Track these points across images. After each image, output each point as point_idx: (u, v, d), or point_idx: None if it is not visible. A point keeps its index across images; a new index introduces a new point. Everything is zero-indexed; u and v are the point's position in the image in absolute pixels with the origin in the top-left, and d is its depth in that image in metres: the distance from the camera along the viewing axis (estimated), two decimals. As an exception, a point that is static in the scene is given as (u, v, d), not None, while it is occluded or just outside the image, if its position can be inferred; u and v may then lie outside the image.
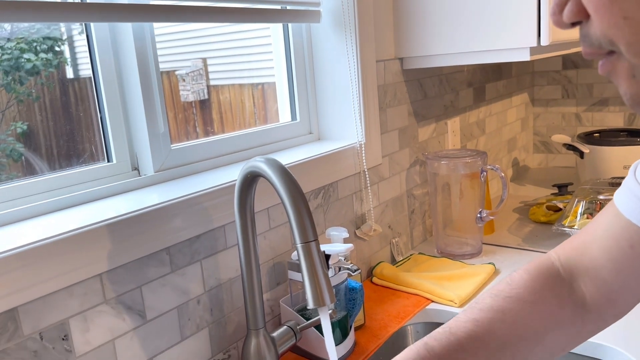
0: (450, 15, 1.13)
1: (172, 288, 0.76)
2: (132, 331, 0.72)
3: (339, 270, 0.84)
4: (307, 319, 0.86)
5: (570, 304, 0.58)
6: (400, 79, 1.24)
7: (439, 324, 0.65)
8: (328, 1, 1.10)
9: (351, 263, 0.92)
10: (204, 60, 1.34)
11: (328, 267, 0.61)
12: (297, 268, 0.87)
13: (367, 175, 1.13)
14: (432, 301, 1.05)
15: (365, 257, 1.17)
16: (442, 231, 1.32)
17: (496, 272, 1.15)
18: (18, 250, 0.58)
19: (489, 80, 1.69)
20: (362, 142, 1.12)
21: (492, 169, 1.25)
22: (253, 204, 0.75)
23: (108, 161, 0.84)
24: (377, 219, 1.19)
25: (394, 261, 1.25)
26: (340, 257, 0.87)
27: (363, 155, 1.11)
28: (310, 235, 0.61)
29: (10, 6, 0.64)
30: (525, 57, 1.06)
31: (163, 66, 0.90)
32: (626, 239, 0.55)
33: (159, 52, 0.86)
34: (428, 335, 0.56)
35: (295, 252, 0.89)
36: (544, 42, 1.03)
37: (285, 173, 0.64)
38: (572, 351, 0.89)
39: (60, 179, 0.76)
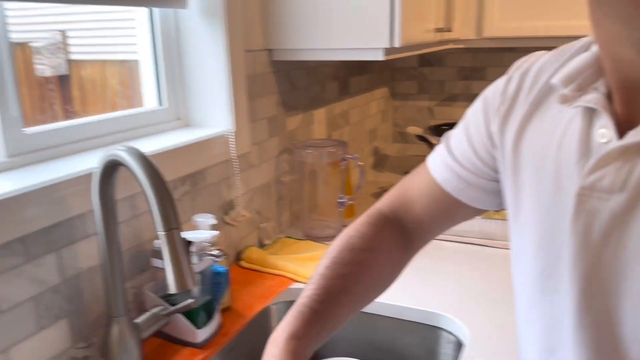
0: (314, 12, 1.20)
1: (26, 278, 0.74)
2: (-19, 325, 0.68)
3: (204, 256, 0.87)
4: (173, 305, 0.87)
5: (403, 243, 0.71)
6: (269, 70, 1.28)
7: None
8: (196, -12, 1.11)
9: (218, 249, 0.96)
10: (63, 32, 1.27)
11: (190, 253, 0.63)
12: (160, 255, 0.88)
13: (236, 163, 1.16)
14: (296, 281, 1.11)
15: (234, 242, 1.20)
16: (308, 216, 1.40)
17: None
18: None
19: (353, 75, 1.80)
20: (232, 130, 1.14)
21: (351, 158, 1.35)
22: (114, 193, 0.75)
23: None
24: (245, 205, 1.23)
25: (262, 245, 1.30)
26: (205, 244, 0.90)
27: (233, 143, 1.14)
28: (172, 223, 0.64)
29: None
30: (380, 57, 1.16)
31: (15, 36, 0.84)
32: (443, 203, 0.69)
33: (10, 22, 0.81)
34: (306, 296, 0.61)
35: (157, 240, 0.89)
36: (396, 43, 1.13)
37: (146, 162, 0.65)
38: (413, 320, 1.01)
39: None
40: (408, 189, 0.74)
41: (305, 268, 1.13)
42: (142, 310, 0.93)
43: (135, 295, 0.93)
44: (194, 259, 0.86)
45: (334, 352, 1.09)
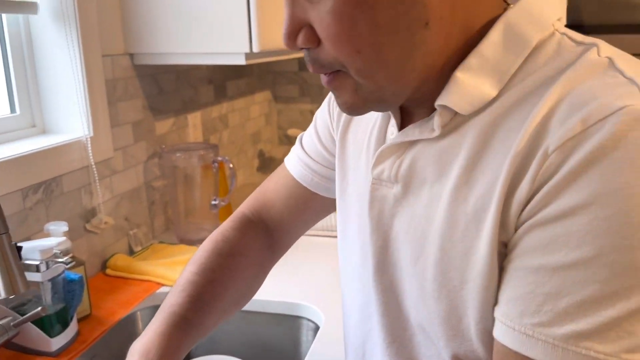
0: (177, 16, 1.21)
1: None
2: None
3: (53, 263, 0.85)
4: (23, 315, 0.85)
5: (268, 244, 0.74)
6: (131, 74, 1.27)
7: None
8: (46, -8, 1.08)
9: (72, 256, 0.94)
10: None
11: (20, 258, 0.63)
12: (8, 265, 0.85)
13: (94, 169, 1.14)
14: (163, 284, 1.12)
15: (98, 250, 1.18)
16: (184, 219, 1.41)
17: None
18: None
19: (230, 78, 1.82)
20: (89, 136, 1.13)
21: (222, 160, 1.37)
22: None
23: None
24: (111, 212, 1.22)
25: (132, 252, 1.29)
26: (56, 251, 0.88)
27: (89, 149, 1.12)
28: (1, 229, 0.63)
29: None
30: (241, 61, 1.19)
31: None
32: (301, 198, 0.73)
33: None
34: (178, 304, 0.61)
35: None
36: (255, 49, 1.17)
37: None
38: (275, 311, 1.06)
39: None
40: (268, 190, 0.77)
41: (173, 271, 1.14)
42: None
43: (-18, 309, 0.89)
44: (42, 267, 0.85)
45: (210, 351, 1.11)
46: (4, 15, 1.07)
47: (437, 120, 0.47)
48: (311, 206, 0.75)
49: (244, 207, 0.77)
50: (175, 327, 0.58)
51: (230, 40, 1.18)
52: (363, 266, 0.59)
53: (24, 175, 0.97)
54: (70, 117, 1.14)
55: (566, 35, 0.47)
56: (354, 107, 0.49)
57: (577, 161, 0.38)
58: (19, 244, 0.64)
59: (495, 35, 0.45)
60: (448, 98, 0.46)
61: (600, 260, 0.37)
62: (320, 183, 0.72)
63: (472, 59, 0.46)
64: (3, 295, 0.62)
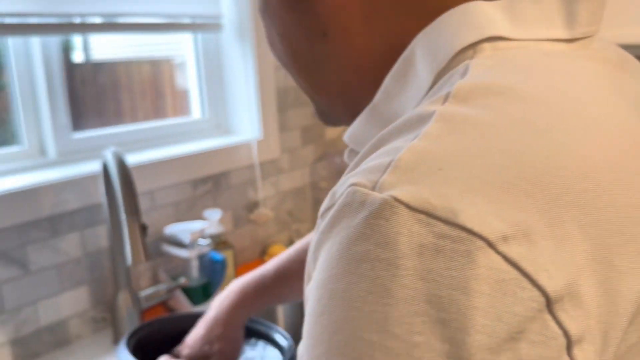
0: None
1: (52, 250, 0.95)
2: (15, 279, 0.91)
3: (196, 244, 1.02)
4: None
5: None
6: (304, 84, 1.40)
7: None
8: (231, 14, 1.27)
9: (222, 240, 1.10)
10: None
11: (146, 235, 0.79)
12: (169, 242, 1.05)
13: (259, 167, 1.30)
14: (303, 277, 1.22)
15: (260, 238, 1.34)
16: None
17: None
18: None
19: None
20: (258, 138, 1.29)
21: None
22: (118, 188, 0.93)
23: (18, 145, 1.03)
24: (274, 207, 1.37)
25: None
26: (210, 233, 1.06)
27: (255, 150, 1.28)
28: (132, 211, 0.79)
29: None
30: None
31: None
32: None
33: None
34: (264, 270, 0.78)
35: (168, 228, 1.07)
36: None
37: (121, 164, 0.82)
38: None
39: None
40: None
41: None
42: (156, 284, 1.11)
43: (153, 273, 1.11)
44: (190, 246, 1.02)
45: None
46: (199, 35, 1.30)
47: (346, 151, 0.43)
48: None
49: None
50: (254, 288, 0.75)
51: None
52: None
53: (197, 168, 1.17)
54: (245, 120, 1.32)
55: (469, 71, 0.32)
56: (320, 118, 0.47)
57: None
58: (145, 224, 0.79)
59: (394, 68, 0.37)
60: (348, 131, 0.42)
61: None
62: None
63: (378, 93, 0.38)
64: (129, 263, 0.78)
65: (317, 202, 1.50)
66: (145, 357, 0.78)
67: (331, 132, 1.52)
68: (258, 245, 1.35)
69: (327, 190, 1.50)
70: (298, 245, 0.79)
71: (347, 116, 0.42)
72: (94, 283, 1.02)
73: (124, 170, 0.82)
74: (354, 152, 0.42)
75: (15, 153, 1.02)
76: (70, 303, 0.99)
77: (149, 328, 0.85)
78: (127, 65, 1.25)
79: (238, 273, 1.17)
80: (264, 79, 1.29)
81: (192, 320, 0.80)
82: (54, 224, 0.95)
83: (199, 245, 1.01)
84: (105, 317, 1.04)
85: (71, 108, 1.08)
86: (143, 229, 0.80)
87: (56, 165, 1.04)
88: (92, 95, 1.17)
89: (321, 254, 0.28)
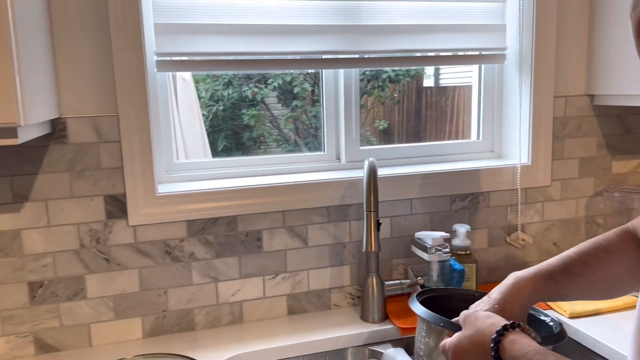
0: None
1: (327, 232, 1.23)
2: (297, 249, 1.22)
3: (435, 251, 1.14)
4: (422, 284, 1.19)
5: (638, 257, 0.83)
6: (588, 113, 1.35)
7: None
8: (514, 45, 1.34)
9: (466, 253, 1.20)
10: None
11: (379, 229, 0.96)
12: (417, 245, 1.21)
13: (521, 192, 1.32)
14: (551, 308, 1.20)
15: (516, 261, 1.36)
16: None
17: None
18: (257, 186, 1.16)
19: None
20: (523, 164, 1.32)
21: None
22: (375, 191, 1.14)
23: (322, 151, 1.35)
24: (537, 234, 1.36)
25: (557, 276, 1.38)
26: (456, 244, 1.17)
27: (518, 175, 1.31)
28: (371, 208, 0.99)
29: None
30: None
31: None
32: None
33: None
34: (551, 264, 0.82)
35: (419, 233, 1.22)
36: None
37: (371, 170, 1.03)
38: None
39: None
40: None
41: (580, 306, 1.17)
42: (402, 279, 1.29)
43: (404, 269, 1.29)
44: (431, 250, 1.15)
45: None
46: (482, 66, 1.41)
47: None
48: None
49: (629, 222, 0.85)
50: (544, 277, 0.80)
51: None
52: None
53: (457, 185, 1.29)
54: (516, 146, 1.36)
55: None
56: None
57: None
58: (379, 221, 0.98)
59: None
60: None
61: None
62: None
63: None
64: (363, 249, 0.98)
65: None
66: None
67: (620, 166, 1.40)
68: (512, 267, 1.37)
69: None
70: (580, 246, 0.84)
71: None
72: (355, 265, 1.26)
73: (372, 175, 1.02)
74: None
75: (320, 156, 1.35)
76: (334, 277, 1.25)
77: (434, 292, 0.94)
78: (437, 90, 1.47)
79: (480, 288, 1.24)
80: (540, 108, 1.31)
81: (470, 297, 0.89)
82: (331, 213, 1.23)
83: (439, 252, 1.14)
84: (359, 295, 1.27)
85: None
86: (378, 224, 0.98)
87: (345, 169, 1.33)
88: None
89: None
